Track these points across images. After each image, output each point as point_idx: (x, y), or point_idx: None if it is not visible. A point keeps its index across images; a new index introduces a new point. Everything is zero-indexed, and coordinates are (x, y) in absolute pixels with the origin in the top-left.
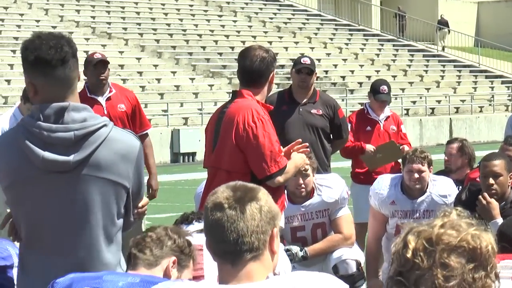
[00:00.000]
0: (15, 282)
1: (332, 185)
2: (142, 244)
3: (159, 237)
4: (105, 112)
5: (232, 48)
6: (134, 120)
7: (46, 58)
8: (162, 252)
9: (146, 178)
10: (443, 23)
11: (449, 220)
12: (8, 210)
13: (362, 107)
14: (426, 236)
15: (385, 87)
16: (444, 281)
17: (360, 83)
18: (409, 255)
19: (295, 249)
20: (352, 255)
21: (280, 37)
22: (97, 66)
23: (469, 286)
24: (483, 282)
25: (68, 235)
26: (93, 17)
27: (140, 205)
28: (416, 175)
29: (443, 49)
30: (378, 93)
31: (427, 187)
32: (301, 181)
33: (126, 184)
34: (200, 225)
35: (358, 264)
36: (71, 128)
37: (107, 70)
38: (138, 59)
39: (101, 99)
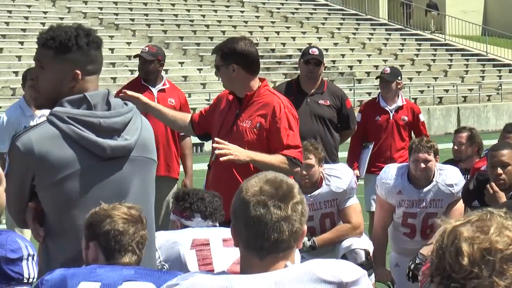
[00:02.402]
0: (26, 274)
1: (340, 175)
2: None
3: (138, 236)
4: (156, 102)
5: None
6: None
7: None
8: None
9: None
10: (432, 6)
11: (502, 225)
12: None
13: (374, 96)
14: (483, 246)
15: (388, 68)
16: None
17: (368, 73)
18: (465, 262)
19: (303, 238)
20: (361, 245)
21: (288, 27)
22: (144, 63)
23: None
24: None
25: None
26: (101, 8)
27: None
28: (422, 165)
29: (433, 32)
30: (381, 73)
31: (433, 177)
32: (304, 172)
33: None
34: (201, 221)
35: (367, 253)
36: (121, 112)
37: (153, 64)
38: None
39: (154, 90)
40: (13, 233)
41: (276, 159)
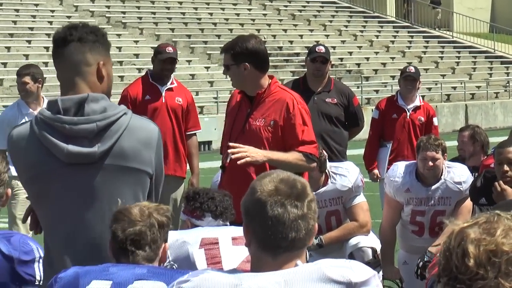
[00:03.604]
0: (38, 276)
1: (346, 173)
2: (140, 242)
3: (152, 229)
4: (163, 101)
5: None
6: (188, 118)
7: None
8: (159, 245)
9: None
10: (436, 2)
11: (509, 227)
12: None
13: (392, 94)
14: (489, 248)
15: (412, 67)
16: None
17: (375, 70)
18: (471, 264)
19: None
20: (368, 243)
21: (295, 25)
22: (165, 61)
23: None
24: None
25: (94, 226)
26: (108, 7)
27: None
28: (430, 163)
29: (438, 28)
30: (405, 72)
31: (441, 174)
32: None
33: (149, 170)
34: (211, 220)
35: (374, 251)
36: (93, 120)
37: (174, 66)
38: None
39: (162, 88)
40: (24, 235)
41: (293, 156)
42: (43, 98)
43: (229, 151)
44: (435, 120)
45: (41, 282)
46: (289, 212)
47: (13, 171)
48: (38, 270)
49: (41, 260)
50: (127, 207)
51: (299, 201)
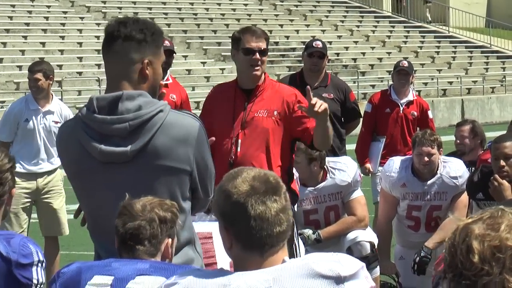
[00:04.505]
0: (35, 280)
1: (345, 168)
2: (138, 236)
3: (152, 224)
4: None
5: None
6: None
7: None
8: (160, 240)
9: None
10: None
11: None
12: None
13: (384, 88)
14: (493, 243)
15: (405, 62)
16: None
17: (372, 65)
18: (475, 260)
19: (307, 232)
20: (366, 237)
21: (291, 20)
22: (166, 56)
23: None
24: None
25: None
26: (104, 2)
27: None
28: (426, 158)
29: (429, 23)
30: (398, 66)
31: (437, 169)
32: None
33: (187, 168)
34: (203, 215)
35: (372, 245)
36: (125, 119)
37: (172, 59)
38: None
39: None
40: (25, 237)
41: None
42: (52, 95)
43: (315, 106)
44: (429, 113)
45: (39, 286)
46: (271, 208)
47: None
48: (36, 274)
49: (39, 264)
50: (132, 202)
51: (276, 195)
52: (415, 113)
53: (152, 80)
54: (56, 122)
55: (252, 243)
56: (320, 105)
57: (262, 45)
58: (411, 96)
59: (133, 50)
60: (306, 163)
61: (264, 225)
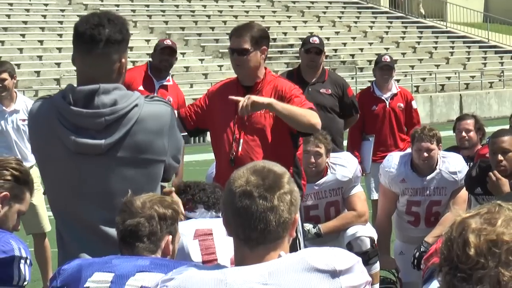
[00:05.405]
0: (16, 276)
1: (345, 164)
2: (137, 233)
3: (152, 221)
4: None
5: None
6: None
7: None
8: (160, 237)
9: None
10: None
11: (510, 218)
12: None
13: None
14: (490, 238)
15: (387, 57)
16: (511, 279)
17: (370, 61)
18: (471, 253)
19: (308, 226)
20: (366, 232)
21: (289, 16)
22: (163, 52)
23: None
24: None
25: (105, 215)
26: (102, 0)
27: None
28: (425, 154)
29: (424, 17)
30: (381, 61)
31: (436, 164)
32: (312, 159)
33: (163, 158)
34: (204, 211)
35: (372, 241)
36: (101, 114)
37: (173, 59)
38: (147, 41)
39: (157, 83)
40: (8, 234)
41: (299, 109)
42: (16, 93)
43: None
44: (413, 103)
45: (21, 282)
46: (257, 204)
47: None
48: (17, 271)
49: (22, 261)
50: (132, 198)
51: (269, 193)
52: (402, 105)
53: (124, 74)
54: (24, 120)
55: (238, 234)
56: (243, 101)
57: (243, 44)
58: (394, 89)
59: (114, 52)
60: (325, 153)
61: (248, 219)
